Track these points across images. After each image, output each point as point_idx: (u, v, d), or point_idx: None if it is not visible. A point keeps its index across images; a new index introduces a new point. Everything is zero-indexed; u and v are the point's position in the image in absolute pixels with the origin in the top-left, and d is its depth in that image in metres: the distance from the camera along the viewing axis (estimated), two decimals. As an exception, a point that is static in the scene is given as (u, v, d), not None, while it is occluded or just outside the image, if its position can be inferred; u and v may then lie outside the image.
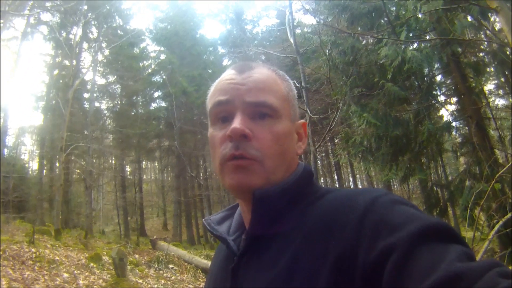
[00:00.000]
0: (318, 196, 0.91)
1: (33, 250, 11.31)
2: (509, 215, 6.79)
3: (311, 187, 0.97)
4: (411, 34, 11.49)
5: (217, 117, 0.95)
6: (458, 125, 13.02)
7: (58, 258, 11.39)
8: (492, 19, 9.58)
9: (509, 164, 7.74)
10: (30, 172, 30.53)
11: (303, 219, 0.87)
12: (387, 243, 0.67)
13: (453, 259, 0.59)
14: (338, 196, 0.88)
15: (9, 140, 26.65)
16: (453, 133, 13.22)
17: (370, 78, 12.18)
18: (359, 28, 13.61)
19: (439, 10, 9.45)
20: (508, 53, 10.08)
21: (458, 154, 13.34)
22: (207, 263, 14.17)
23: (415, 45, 11.95)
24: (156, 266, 13.77)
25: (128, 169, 33.89)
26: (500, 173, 6.88)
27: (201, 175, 30.92)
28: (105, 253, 13.48)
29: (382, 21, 12.73)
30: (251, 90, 0.92)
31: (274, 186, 0.90)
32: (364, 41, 12.95)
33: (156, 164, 43.10)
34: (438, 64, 12.21)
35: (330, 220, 0.80)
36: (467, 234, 9.77)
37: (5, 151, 23.84)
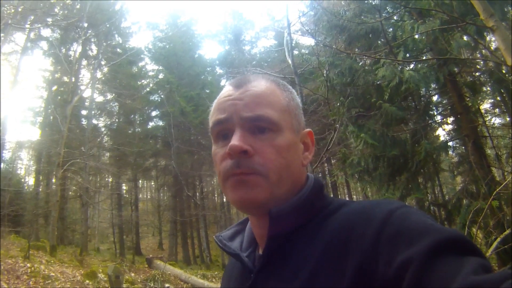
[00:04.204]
0: (332, 210, 0.90)
1: (28, 265, 11.22)
2: (507, 232, 6.79)
3: (324, 200, 0.96)
4: (408, 55, 11.62)
5: (218, 135, 0.95)
6: (454, 145, 13.10)
7: (53, 274, 11.30)
8: (488, 38, 9.70)
9: (506, 181, 7.76)
10: (26, 187, 30.32)
11: (319, 234, 0.85)
12: (405, 257, 0.66)
13: (469, 272, 0.59)
14: (353, 209, 0.87)
15: (6, 155, 26.50)
16: (450, 152, 13.28)
17: (367, 99, 12.24)
18: (356, 50, 13.76)
19: (435, 30, 9.58)
20: (504, 71, 10.19)
21: (455, 173, 13.38)
22: (204, 282, 14.09)
23: (412, 65, 12.10)
24: (152, 284, 13.67)
25: (124, 187, 33.70)
26: (497, 190, 6.89)
27: (198, 195, 30.75)
28: (100, 270, 13.37)
29: (380, 42, 12.88)
30: (248, 105, 0.91)
31: (289, 203, 0.89)
32: (362, 62, 13.07)
33: (152, 183, 42.87)
34: (434, 84, 12.31)
35: (347, 234, 0.79)
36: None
37: (2, 165, 23.66)
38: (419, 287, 0.61)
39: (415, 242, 0.67)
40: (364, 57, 12.87)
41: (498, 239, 6.81)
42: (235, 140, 0.87)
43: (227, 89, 0.98)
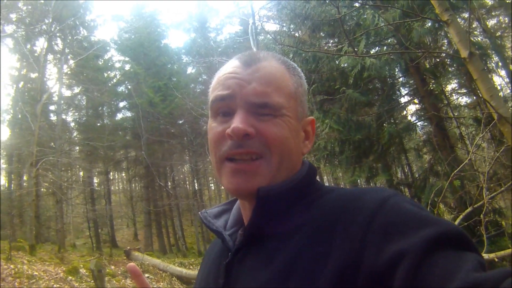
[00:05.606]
0: (320, 195, 0.88)
1: (12, 266, 11.30)
2: (469, 209, 7.28)
3: (315, 186, 0.93)
4: (371, 39, 11.95)
5: (218, 111, 0.91)
6: (423, 124, 13.54)
7: (36, 273, 11.42)
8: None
9: (464, 162, 8.22)
10: (-2, 188, 29.71)
11: (305, 218, 0.83)
12: (398, 248, 0.64)
13: (469, 269, 0.57)
14: (343, 194, 0.84)
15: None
16: (418, 131, 13.63)
17: (331, 85, 12.47)
18: (322, 34, 14.05)
19: (396, 19, 9.92)
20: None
21: (421, 153, 13.86)
22: (182, 270, 14.41)
23: (376, 48, 12.46)
24: (132, 276, 13.87)
25: (96, 180, 33.36)
26: (455, 171, 7.33)
27: (170, 184, 30.76)
28: (82, 266, 13.52)
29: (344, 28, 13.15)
30: (255, 89, 0.86)
31: (279, 184, 0.86)
32: (326, 47, 13.33)
33: (123, 175, 42.40)
34: (398, 68, 12.67)
35: (335, 220, 0.76)
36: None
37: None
38: (414, 280, 0.59)
39: (410, 234, 0.65)
40: (328, 45, 13.18)
41: (461, 216, 7.29)
42: (238, 122, 0.83)
43: (233, 64, 0.93)
